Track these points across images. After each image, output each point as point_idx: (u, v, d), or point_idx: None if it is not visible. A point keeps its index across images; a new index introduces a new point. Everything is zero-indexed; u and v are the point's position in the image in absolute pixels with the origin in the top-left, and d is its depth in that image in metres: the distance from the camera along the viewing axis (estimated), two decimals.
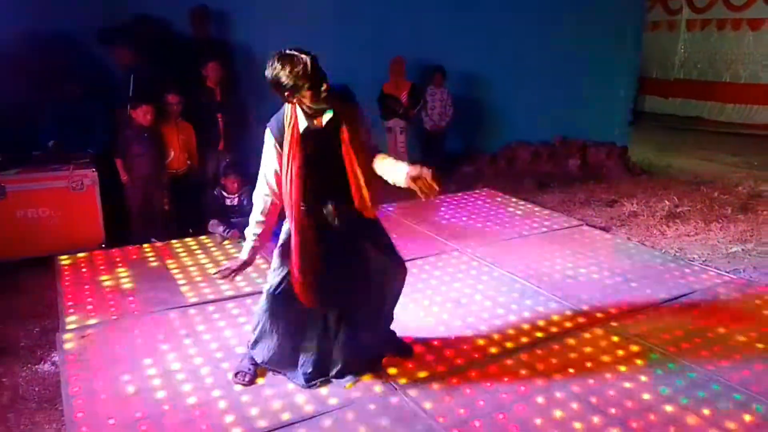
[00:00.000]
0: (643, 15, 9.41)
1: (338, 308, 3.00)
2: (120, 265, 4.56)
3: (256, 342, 3.12)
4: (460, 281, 4.28)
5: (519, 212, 5.86)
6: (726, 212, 6.02)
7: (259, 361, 3.13)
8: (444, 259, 4.69)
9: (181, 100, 5.22)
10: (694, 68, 13.10)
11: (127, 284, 4.23)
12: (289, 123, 2.74)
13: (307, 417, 2.82)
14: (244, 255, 2.98)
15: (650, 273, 4.46)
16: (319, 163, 2.78)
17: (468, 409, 2.88)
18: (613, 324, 3.69)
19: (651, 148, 9.30)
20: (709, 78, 12.76)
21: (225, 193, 5.15)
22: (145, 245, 4.92)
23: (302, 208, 2.80)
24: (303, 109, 2.73)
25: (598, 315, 3.81)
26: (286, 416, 2.82)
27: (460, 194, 6.38)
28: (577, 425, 2.76)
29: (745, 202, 6.36)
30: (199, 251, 4.84)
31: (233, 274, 2.96)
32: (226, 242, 4.97)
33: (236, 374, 3.12)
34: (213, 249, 4.88)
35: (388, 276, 3.09)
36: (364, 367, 3.16)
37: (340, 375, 3.09)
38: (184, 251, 4.83)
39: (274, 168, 2.84)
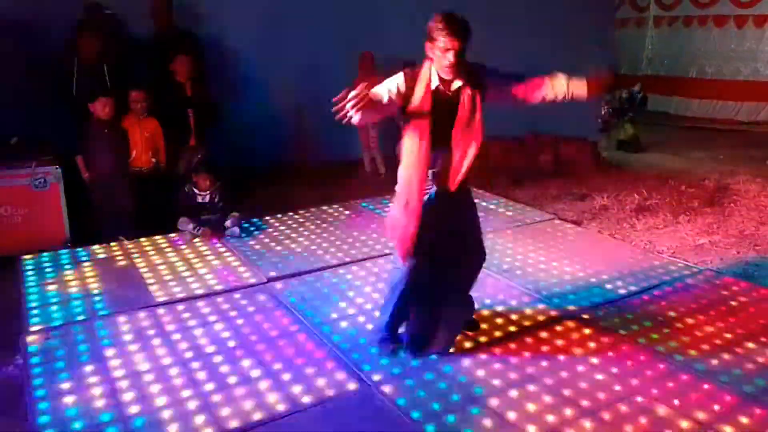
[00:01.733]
0: (611, 12, 9.53)
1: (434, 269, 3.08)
2: (86, 264, 4.45)
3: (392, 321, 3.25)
4: None
5: (492, 207, 5.88)
6: (693, 205, 6.12)
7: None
8: None
9: (146, 97, 5.09)
10: (662, 64, 13.33)
11: (93, 284, 4.12)
12: (422, 79, 2.89)
13: (280, 416, 2.78)
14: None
15: (620, 265, 4.51)
16: (439, 128, 2.91)
17: (442, 403, 2.87)
18: (585, 316, 3.72)
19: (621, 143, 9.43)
20: (676, 74, 13.00)
21: (196, 191, 5.05)
22: (113, 244, 4.80)
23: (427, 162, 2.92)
24: (439, 74, 2.89)
25: (570, 308, 3.84)
26: (258, 416, 2.78)
27: None
28: (550, 418, 2.77)
29: (711, 196, 6.49)
30: (168, 249, 4.74)
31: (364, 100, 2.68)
32: (196, 240, 4.88)
33: (380, 342, 3.28)
34: (183, 247, 4.79)
35: (465, 262, 3.21)
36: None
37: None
38: (153, 249, 4.73)
39: (394, 88, 2.86)
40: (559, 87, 3.00)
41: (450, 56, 2.80)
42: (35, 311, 3.75)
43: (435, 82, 2.91)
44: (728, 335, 3.50)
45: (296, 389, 2.97)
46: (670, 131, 10.74)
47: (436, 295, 3.14)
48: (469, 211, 3.24)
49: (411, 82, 2.91)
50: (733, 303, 3.92)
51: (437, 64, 2.88)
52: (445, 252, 3.09)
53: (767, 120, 11.39)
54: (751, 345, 3.39)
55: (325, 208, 5.73)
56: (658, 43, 13.35)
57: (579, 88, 3.02)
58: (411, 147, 2.93)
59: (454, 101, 2.94)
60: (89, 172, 4.90)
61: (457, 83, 2.93)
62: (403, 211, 2.97)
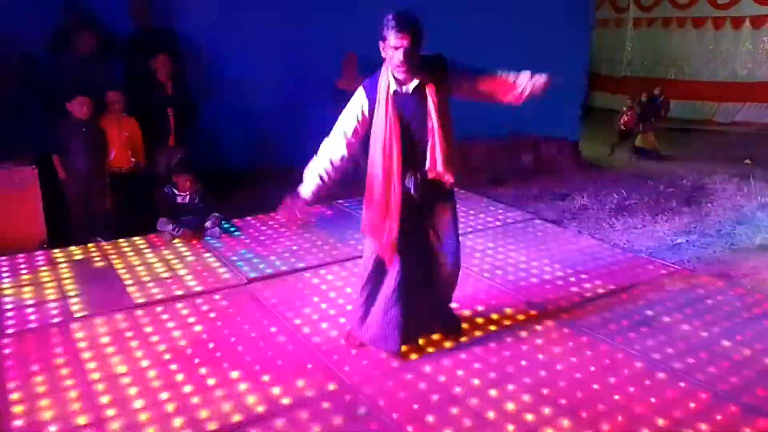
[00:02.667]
0: (592, 12, 9.61)
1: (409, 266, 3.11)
2: (63, 265, 4.39)
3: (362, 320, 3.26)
4: None
5: (473, 207, 5.90)
6: (671, 205, 6.20)
7: (365, 340, 3.27)
8: None
9: (122, 98, 5.04)
10: (641, 65, 13.49)
11: (70, 285, 4.07)
12: (382, 86, 2.91)
13: (259, 418, 2.77)
14: (305, 192, 3.07)
15: (599, 265, 4.55)
16: (406, 129, 2.94)
17: (422, 404, 2.88)
18: (564, 316, 3.75)
19: (600, 143, 9.53)
20: (655, 74, 13.15)
21: (176, 191, 5.00)
22: (90, 245, 4.74)
23: (399, 169, 2.94)
24: (393, 75, 2.89)
25: (550, 307, 3.86)
26: (236, 418, 2.76)
27: None
28: (529, 417, 2.79)
29: (689, 195, 6.58)
30: (147, 250, 4.69)
31: (299, 220, 3.05)
32: (176, 241, 4.83)
33: (347, 338, 3.39)
34: (162, 248, 4.74)
35: (437, 259, 3.24)
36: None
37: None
38: (131, 250, 4.68)
39: (354, 125, 2.99)
40: (522, 87, 2.93)
41: (399, 54, 2.78)
42: (10, 313, 3.69)
43: (393, 87, 2.90)
44: (704, 333, 3.55)
45: (276, 390, 2.96)
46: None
47: (408, 291, 3.13)
48: (444, 215, 3.21)
49: (371, 94, 2.94)
50: (710, 301, 3.97)
51: (390, 64, 2.87)
52: (416, 252, 3.13)
53: (744, 121, 11.58)
54: (726, 343, 3.44)
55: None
56: (637, 44, 13.51)
57: (530, 86, 2.94)
58: (379, 153, 2.93)
59: (417, 100, 2.93)
60: (65, 171, 4.82)
61: (414, 82, 2.90)
62: (383, 215, 3.00)
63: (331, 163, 3.06)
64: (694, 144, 9.65)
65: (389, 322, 3.12)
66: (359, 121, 3.00)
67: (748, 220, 5.79)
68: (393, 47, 2.79)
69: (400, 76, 2.88)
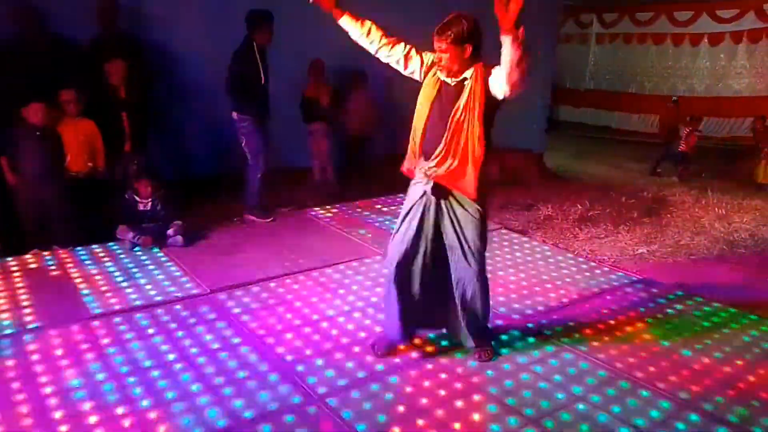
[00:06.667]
0: (556, 28, 9.79)
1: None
2: (16, 274, 4.22)
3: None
4: (382, 286, 4.24)
5: None
6: (633, 216, 6.32)
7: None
8: (366, 263, 4.65)
9: (78, 97, 4.86)
10: (604, 80, 13.82)
11: (23, 295, 3.91)
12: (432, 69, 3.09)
13: None
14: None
15: (563, 274, 4.60)
16: (439, 118, 3.03)
17: (388, 415, 2.84)
18: (529, 325, 3.77)
19: (565, 155, 9.70)
20: (617, 89, 13.50)
21: (137, 198, 4.88)
22: (45, 253, 4.58)
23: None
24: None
25: (515, 317, 3.88)
26: None
27: (383, 198, 6.37)
28: (495, 427, 2.78)
29: (650, 207, 6.72)
30: (106, 259, 4.56)
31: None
32: (136, 249, 4.71)
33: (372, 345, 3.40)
34: (122, 256, 4.61)
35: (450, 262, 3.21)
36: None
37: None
38: (89, 259, 4.54)
39: (415, 59, 3.14)
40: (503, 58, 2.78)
41: (438, 56, 2.96)
42: None
43: (441, 74, 3.05)
44: (665, 343, 3.61)
45: (238, 404, 2.89)
46: (611, 144, 11.12)
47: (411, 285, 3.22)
48: (462, 225, 3.10)
49: (427, 67, 3.13)
50: (670, 311, 4.04)
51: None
52: (432, 254, 3.18)
53: (704, 135, 11.91)
54: (686, 352, 3.50)
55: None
56: (600, 59, 13.85)
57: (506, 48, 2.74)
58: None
59: (455, 93, 3.01)
60: (16, 175, 4.63)
61: (468, 71, 2.98)
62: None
63: (380, 37, 3.17)
64: (654, 157, 9.87)
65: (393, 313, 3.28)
66: (416, 64, 3.14)
67: (706, 231, 5.95)
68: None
69: (441, 74, 3.03)
